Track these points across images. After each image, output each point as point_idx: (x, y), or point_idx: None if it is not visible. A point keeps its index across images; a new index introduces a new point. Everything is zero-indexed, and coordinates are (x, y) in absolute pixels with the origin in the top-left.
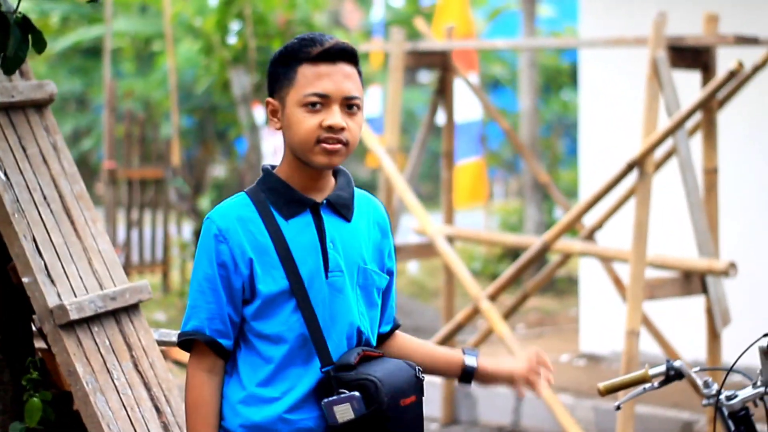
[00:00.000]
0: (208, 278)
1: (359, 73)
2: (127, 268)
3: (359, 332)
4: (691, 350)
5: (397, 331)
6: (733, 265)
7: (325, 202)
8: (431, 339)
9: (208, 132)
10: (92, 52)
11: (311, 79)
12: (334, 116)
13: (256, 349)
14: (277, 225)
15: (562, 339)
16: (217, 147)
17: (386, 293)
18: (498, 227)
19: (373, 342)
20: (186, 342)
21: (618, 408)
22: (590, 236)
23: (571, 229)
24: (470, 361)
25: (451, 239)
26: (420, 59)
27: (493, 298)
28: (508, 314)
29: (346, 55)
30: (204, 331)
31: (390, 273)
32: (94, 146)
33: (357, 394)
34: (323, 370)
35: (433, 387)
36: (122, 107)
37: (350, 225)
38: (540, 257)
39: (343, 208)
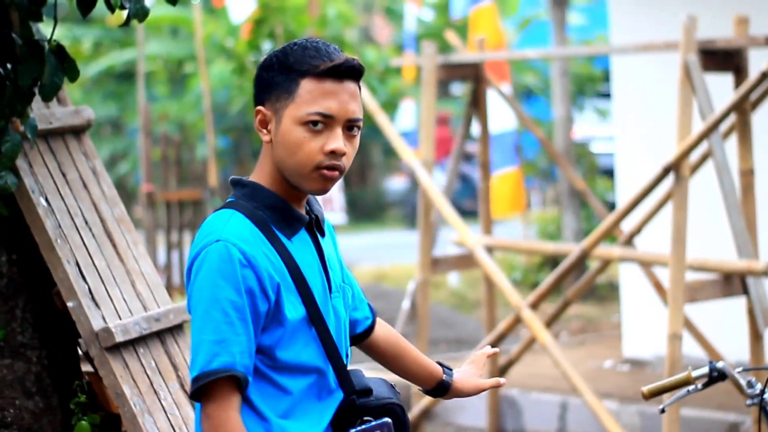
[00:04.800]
0: (236, 308)
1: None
2: (169, 289)
3: (347, 354)
4: (735, 352)
5: (379, 320)
6: None
7: (313, 218)
8: (474, 350)
9: (243, 151)
10: (125, 76)
11: (316, 96)
12: (338, 140)
13: (270, 380)
14: (284, 246)
15: (605, 345)
16: (253, 166)
17: (353, 294)
18: (536, 236)
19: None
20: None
21: (663, 411)
22: (629, 242)
23: (610, 235)
24: (447, 377)
25: (490, 249)
26: (452, 72)
27: (534, 306)
28: (550, 322)
29: (354, 73)
30: (235, 367)
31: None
32: (130, 170)
33: (389, 420)
34: (349, 398)
35: (479, 397)
36: (157, 130)
37: (325, 240)
38: (580, 264)
39: (319, 224)
